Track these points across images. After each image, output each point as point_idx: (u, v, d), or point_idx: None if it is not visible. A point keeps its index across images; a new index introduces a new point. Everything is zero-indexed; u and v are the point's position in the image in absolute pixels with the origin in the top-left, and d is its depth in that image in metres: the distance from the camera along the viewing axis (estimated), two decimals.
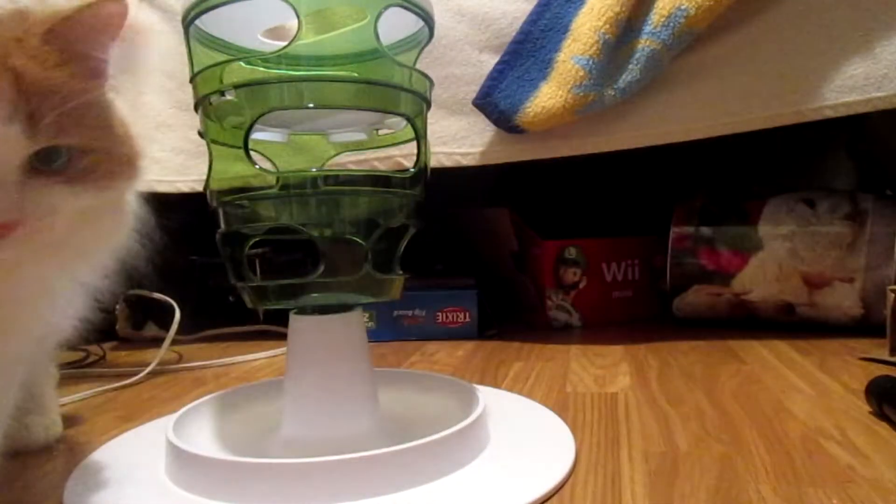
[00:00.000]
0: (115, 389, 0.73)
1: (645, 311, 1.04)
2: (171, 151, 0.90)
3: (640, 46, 0.77)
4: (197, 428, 0.51)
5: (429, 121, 0.82)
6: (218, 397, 0.55)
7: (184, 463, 0.43)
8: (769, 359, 0.75)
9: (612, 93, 0.77)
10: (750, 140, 0.84)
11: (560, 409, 0.57)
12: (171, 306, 0.85)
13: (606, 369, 0.73)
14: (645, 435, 0.51)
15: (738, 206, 0.93)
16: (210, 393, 0.55)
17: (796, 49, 0.78)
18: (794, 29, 0.79)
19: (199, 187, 0.48)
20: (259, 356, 0.87)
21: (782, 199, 0.91)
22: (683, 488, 0.41)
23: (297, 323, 0.48)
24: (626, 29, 0.77)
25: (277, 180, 0.44)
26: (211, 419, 0.53)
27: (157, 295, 0.89)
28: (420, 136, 0.48)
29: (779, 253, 0.88)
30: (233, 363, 0.85)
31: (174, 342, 0.84)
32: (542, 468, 0.44)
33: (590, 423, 0.54)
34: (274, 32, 0.49)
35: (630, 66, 0.77)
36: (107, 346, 0.96)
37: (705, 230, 0.92)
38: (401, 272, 0.49)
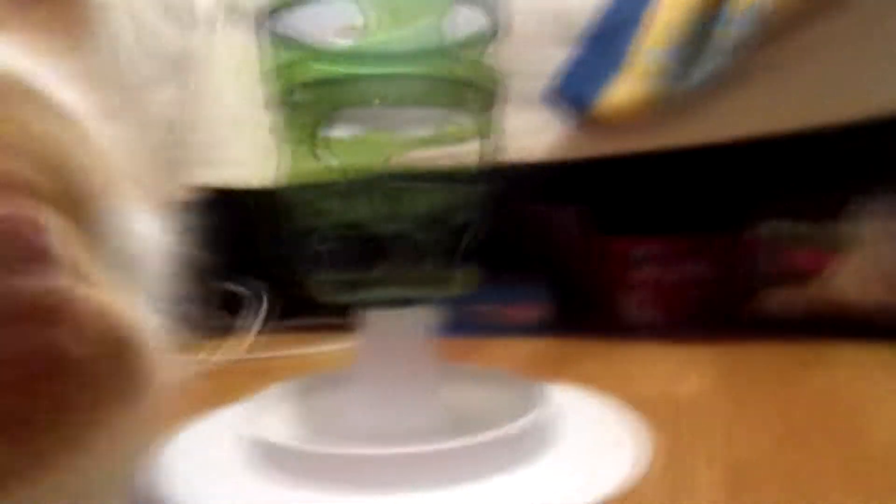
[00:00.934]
0: (195, 376, 0.76)
1: (723, 311, 1.00)
2: (246, 149, 0.92)
3: (717, 38, 0.74)
4: (269, 415, 0.52)
5: (497, 116, 0.82)
6: (287, 386, 0.56)
7: (256, 449, 0.45)
8: (858, 363, 0.71)
9: (689, 86, 0.74)
10: (844, 134, 0.80)
11: (631, 410, 0.56)
12: (249, 296, 0.88)
13: (681, 370, 0.71)
14: (726, 439, 0.49)
15: (830, 203, 0.88)
16: (279, 382, 0.57)
17: (887, 42, 0.74)
18: (883, 22, 0.74)
19: (272, 183, 0.49)
20: (329, 348, 0.89)
21: (882, 196, 0.85)
22: (759, 497, 0.40)
23: (361, 316, 0.49)
24: (702, 20, 0.74)
25: (345, 176, 0.45)
26: (282, 407, 0.54)
27: (237, 287, 0.92)
28: (487, 132, 0.47)
29: (877, 252, 0.83)
30: (304, 354, 0.87)
31: (247, 332, 0.87)
32: (611, 468, 0.44)
33: (662, 426, 0.53)
34: (345, 31, 0.50)
35: (706, 59, 0.74)
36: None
37: (793, 227, 0.88)
38: (466, 268, 0.49)
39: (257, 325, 0.92)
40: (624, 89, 0.74)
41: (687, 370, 0.71)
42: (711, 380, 0.66)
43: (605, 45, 0.77)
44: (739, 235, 0.92)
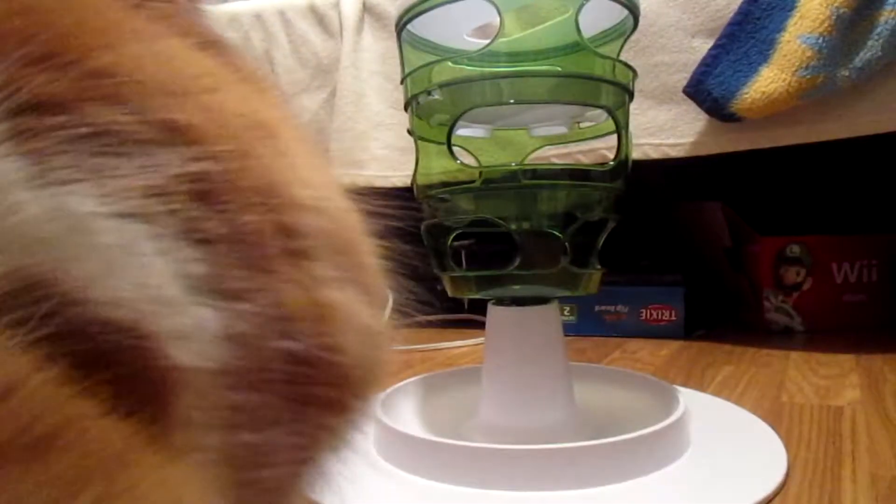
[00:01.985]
0: None
1: (883, 318, 0.92)
2: (387, 148, 0.96)
3: (882, 19, 0.68)
4: (402, 406, 0.54)
5: (636, 111, 0.80)
6: (422, 379, 0.58)
7: (389, 438, 0.47)
8: None
9: (847, 73, 0.69)
10: None
11: (773, 420, 0.53)
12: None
13: (832, 380, 0.66)
14: (873, 455, 0.46)
15: None
16: (416, 375, 0.59)
17: None
18: None
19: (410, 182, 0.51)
20: (463, 343, 0.91)
21: None
22: None
23: (494, 313, 0.49)
24: (865, 1, 0.69)
25: (479, 174, 0.46)
26: (415, 399, 0.56)
27: None
28: (621, 128, 0.47)
29: None
30: (438, 349, 0.89)
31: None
32: (747, 479, 0.42)
33: (807, 438, 0.50)
34: (481, 31, 0.51)
35: (870, 43, 0.68)
36: None
37: None
38: (599, 266, 0.49)
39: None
40: (773, 80, 0.70)
41: (831, 379, 0.66)
42: (858, 391, 0.61)
43: (751, 33, 0.73)
44: None
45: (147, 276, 0.15)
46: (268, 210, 0.17)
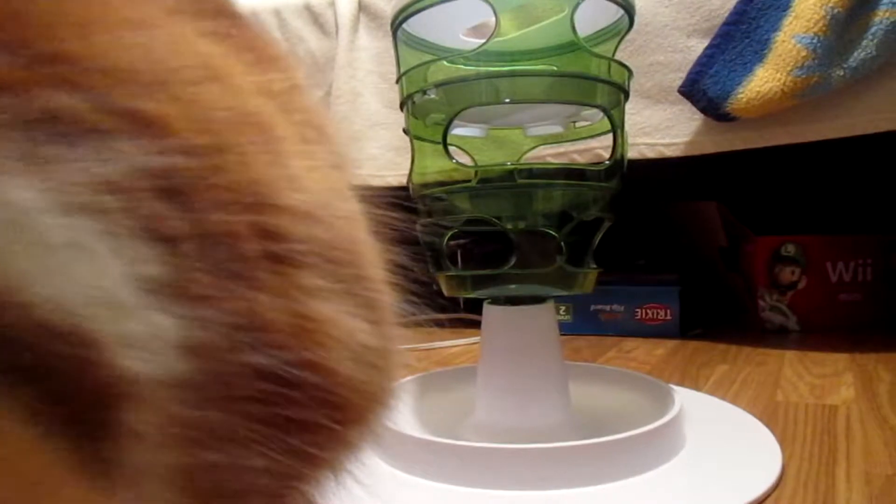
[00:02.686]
0: None
1: (877, 318, 0.92)
2: (383, 148, 0.96)
3: (877, 18, 0.68)
4: (397, 406, 0.54)
5: (631, 111, 0.80)
6: (418, 379, 0.58)
7: (386, 438, 0.47)
8: None
9: (842, 73, 0.69)
10: None
11: (768, 419, 0.53)
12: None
13: (826, 379, 0.66)
14: (868, 454, 0.46)
15: None
16: (411, 375, 0.59)
17: None
18: None
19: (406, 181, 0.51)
20: (458, 342, 0.91)
21: None
22: None
23: (490, 312, 0.49)
24: (859, 0, 0.69)
25: (475, 174, 0.46)
26: (411, 399, 0.56)
27: None
28: (617, 128, 0.47)
29: None
30: (433, 348, 0.89)
31: None
32: (741, 478, 0.42)
33: (801, 436, 0.50)
34: (477, 30, 0.51)
35: (864, 43, 0.69)
36: None
37: None
38: (594, 266, 0.49)
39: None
40: (768, 79, 0.70)
41: (826, 378, 0.66)
42: (853, 390, 0.61)
43: (747, 33, 0.73)
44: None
45: (94, 277, 0.13)
46: (244, 209, 0.16)
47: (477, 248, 1.02)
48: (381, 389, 0.20)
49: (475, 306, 1.03)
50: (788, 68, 0.69)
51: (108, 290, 0.13)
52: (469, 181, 0.45)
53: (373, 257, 0.21)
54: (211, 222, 0.15)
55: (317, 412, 0.17)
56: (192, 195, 0.15)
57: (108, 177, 0.14)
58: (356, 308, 0.19)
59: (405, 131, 0.50)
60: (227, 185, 0.16)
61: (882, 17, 0.68)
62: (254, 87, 0.19)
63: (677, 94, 0.78)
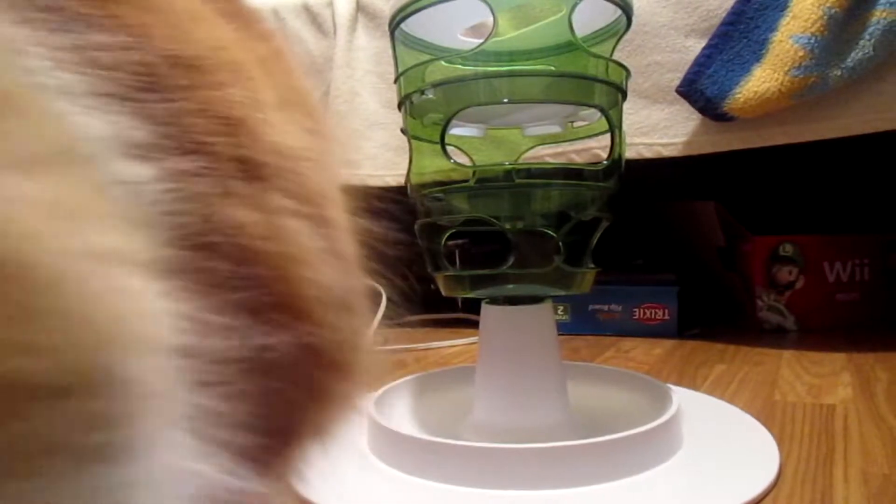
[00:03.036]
0: None
1: (875, 317, 0.92)
2: (381, 148, 0.96)
3: (874, 19, 0.68)
4: (396, 406, 0.54)
5: (629, 111, 0.80)
6: (416, 379, 0.58)
7: (383, 438, 0.47)
8: None
9: (839, 73, 0.69)
10: None
11: (765, 418, 0.53)
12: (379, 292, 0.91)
13: (824, 378, 0.66)
14: (865, 453, 0.46)
15: None
16: (409, 375, 0.59)
17: None
18: None
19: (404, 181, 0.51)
20: (456, 343, 0.91)
21: None
22: None
23: (488, 312, 0.49)
24: (857, 1, 0.69)
25: (473, 174, 0.46)
26: (409, 399, 0.56)
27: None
28: (615, 128, 0.47)
29: None
30: (431, 348, 0.89)
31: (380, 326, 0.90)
32: (739, 477, 0.42)
33: (799, 436, 0.50)
34: (475, 30, 0.51)
35: (862, 43, 0.69)
36: None
37: None
38: (592, 266, 0.49)
39: (377, 319, 0.95)
40: (765, 79, 0.70)
41: (824, 378, 0.66)
42: (850, 389, 0.61)
43: (744, 33, 0.73)
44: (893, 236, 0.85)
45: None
46: (219, 122, 0.17)
47: (475, 248, 1.02)
48: (351, 294, 0.21)
49: (473, 306, 1.04)
50: (786, 68, 0.69)
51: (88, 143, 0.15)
52: (467, 181, 0.45)
53: (338, 203, 0.22)
54: (185, 109, 0.17)
55: (286, 299, 0.18)
56: (165, 83, 0.17)
57: (90, 52, 0.15)
58: (319, 237, 0.20)
59: (403, 131, 0.50)
60: (203, 105, 0.17)
61: (880, 17, 0.68)
62: (237, 46, 0.21)
63: (675, 93, 0.78)
